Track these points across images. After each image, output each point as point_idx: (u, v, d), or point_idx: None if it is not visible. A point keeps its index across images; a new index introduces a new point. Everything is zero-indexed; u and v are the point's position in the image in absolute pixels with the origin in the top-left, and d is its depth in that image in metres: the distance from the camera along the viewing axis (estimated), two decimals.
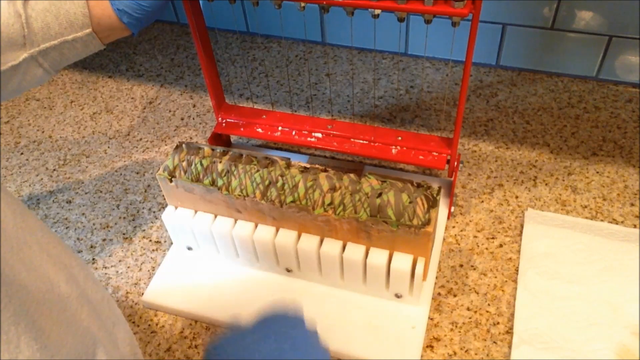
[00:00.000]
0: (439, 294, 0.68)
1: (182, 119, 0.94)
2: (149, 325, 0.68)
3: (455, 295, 0.68)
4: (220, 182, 0.64)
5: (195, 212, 0.68)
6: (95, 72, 1.06)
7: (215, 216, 0.68)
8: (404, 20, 0.59)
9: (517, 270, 0.69)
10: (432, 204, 0.60)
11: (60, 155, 0.91)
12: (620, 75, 0.90)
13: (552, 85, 0.93)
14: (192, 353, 0.65)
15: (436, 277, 0.69)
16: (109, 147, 0.91)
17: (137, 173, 0.86)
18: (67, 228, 0.80)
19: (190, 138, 0.91)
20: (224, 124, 0.80)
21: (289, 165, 0.64)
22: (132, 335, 0.47)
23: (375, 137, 0.74)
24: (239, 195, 0.63)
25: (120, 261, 0.75)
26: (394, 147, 0.73)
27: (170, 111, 0.96)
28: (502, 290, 0.68)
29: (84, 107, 0.99)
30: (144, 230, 0.78)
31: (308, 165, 0.64)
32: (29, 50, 0.56)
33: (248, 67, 1.03)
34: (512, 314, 0.65)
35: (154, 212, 0.80)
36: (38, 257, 0.38)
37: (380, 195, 0.60)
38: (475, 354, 0.62)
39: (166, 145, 0.90)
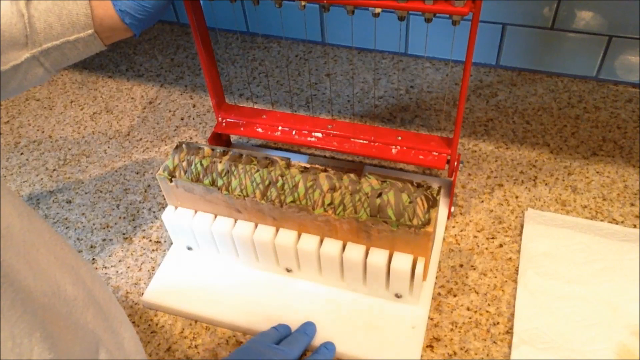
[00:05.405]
0: (439, 294, 0.68)
1: (182, 119, 0.94)
2: (149, 325, 0.68)
3: (455, 295, 0.68)
4: (220, 182, 0.64)
5: (195, 212, 0.68)
6: (95, 72, 1.06)
7: (215, 216, 0.68)
8: (404, 19, 0.59)
9: (517, 270, 0.69)
10: (432, 204, 0.60)
11: (60, 155, 0.91)
12: (620, 75, 0.90)
13: (552, 85, 0.93)
14: (192, 353, 0.65)
15: (436, 277, 0.69)
16: (109, 147, 0.91)
17: (137, 173, 0.86)
18: (67, 228, 0.80)
19: (190, 138, 0.91)
20: (224, 124, 0.80)
21: (289, 165, 0.64)
22: (136, 335, 0.47)
23: (375, 137, 0.74)
24: (239, 195, 0.63)
25: (120, 261, 0.75)
26: (394, 147, 0.73)
27: (170, 111, 0.96)
28: (502, 290, 0.68)
29: (84, 107, 0.99)
30: (144, 230, 0.78)
31: (308, 165, 0.64)
32: (31, 50, 0.56)
33: (248, 67, 1.03)
34: (512, 314, 0.65)
35: (154, 212, 0.80)
36: (45, 260, 0.37)
37: (380, 195, 0.60)
38: (475, 354, 0.62)
39: (166, 145, 0.90)
